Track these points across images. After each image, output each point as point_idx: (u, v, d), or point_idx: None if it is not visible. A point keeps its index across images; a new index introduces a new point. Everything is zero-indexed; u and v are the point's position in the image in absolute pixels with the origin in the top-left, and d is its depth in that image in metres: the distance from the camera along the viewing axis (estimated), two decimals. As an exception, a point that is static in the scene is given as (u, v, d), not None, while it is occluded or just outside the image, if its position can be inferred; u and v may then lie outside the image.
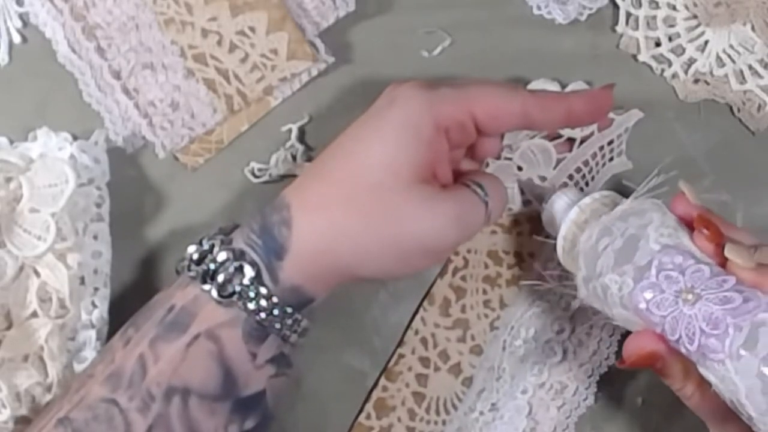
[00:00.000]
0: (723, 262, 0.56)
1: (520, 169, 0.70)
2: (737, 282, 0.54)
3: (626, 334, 0.65)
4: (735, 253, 0.55)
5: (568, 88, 0.70)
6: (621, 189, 0.69)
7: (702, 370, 0.54)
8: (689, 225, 0.58)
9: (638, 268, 0.57)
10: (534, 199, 0.68)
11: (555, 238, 0.64)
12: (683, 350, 0.54)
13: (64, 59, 0.71)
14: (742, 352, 0.52)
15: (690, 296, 0.54)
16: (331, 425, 0.72)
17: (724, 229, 0.57)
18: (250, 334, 0.59)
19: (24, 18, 0.72)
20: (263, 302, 0.58)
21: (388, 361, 0.72)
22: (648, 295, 0.56)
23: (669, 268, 0.56)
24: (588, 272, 0.59)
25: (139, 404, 0.58)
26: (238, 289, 0.58)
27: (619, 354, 0.71)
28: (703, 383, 0.55)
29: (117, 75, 0.71)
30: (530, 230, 0.71)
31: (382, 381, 0.72)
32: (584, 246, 0.60)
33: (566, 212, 0.63)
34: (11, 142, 0.71)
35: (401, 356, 0.72)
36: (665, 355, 0.56)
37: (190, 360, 0.58)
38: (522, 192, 0.70)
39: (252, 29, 0.70)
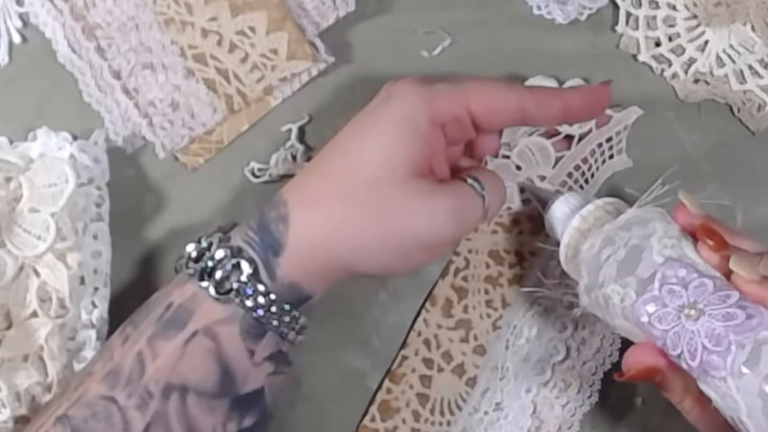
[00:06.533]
0: (728, 273, 0.55)
1: (518, 168, 0.70)
2: (741, 297, 0.54)
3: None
4: (740, 265, 0.54)
5: (566, 85, 0.70)
6: (622, 194, 0.68)
7: (703, 387, 0.54)
8: (693, 234, 0.58)
9: (641, 280, 0.56)
10: (537, 203, 0.68)
11: (558, 242, 0.64)
12: (684, 366, 0.54)
13: (64, 59, 0.71)
14: (745, 370, 0.51)
15: (693, 312, 0.54)
16: (331, 425, 0.72)
17: (728, 238, 0.57)
18: (248, 331, 0.59)
19: (24, 18, 0.72)
20: (261, 299, 0.58)
21: (392, 364, 0.72)
22: (650, 308, 0.55)
23: (672, 282, 0.55)
24: (590, 281, 0.59)
25: (138, 402, 0.58)
26: (235, 286, 0.58)
27: (622, 352, 0.70)
28: (703, 398, 0.55)
29: (117, 75, 0.71)
30: (531, 229, 0.71)
31: (386, 383, 0.72)
32: (587, 255, 0.60)
33: (569, 219, 0.63)
34: (11, 142, 0.71)
35: (404, 358, 0.72)
36: (665, 370, 0.56)
37: (187, 357, 0.58)
38: (522, 191, 0.70)
39: (252, 29, 0.70)
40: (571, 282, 0.64)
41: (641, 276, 0.56)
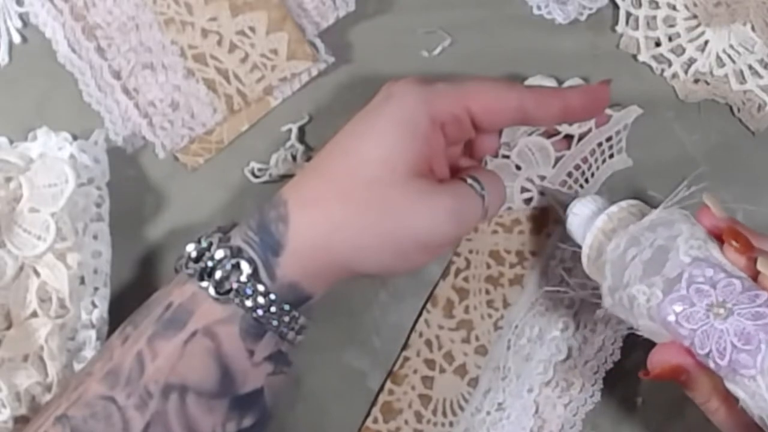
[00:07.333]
0: (755, 275, 0.55)
1: (518, 168, 0.70)
2: None
3: (631, 330, 0.65)
4: (767, 266, 0.55)
5: (565, 85, 0.70)
6: (629, 195, 0.68)
7: (730, 386, 0.54)
8: (718, 237, 0.58)
9: (668, 280, 0.56)
10: (557, 205, 0.68)
11: (577, 245, 0.64)
12: (712, 365, 0.54)
13: (64, 59, 0.71)
14: None
15: (722, 310, 0.53)
16: (331, 425, 0.72)
17: (754, 240, 0.57)
18: (248, 332, 0.59)
19: (24, 18, 0.72)
20: (260, 299, 0.58)
21: (393, 365, 0.72)
22: (678, 307, 0.55)
23: (700, 282, 0.55)
24: (614, 282, 0.59)
25: (137, 402, 0.58)
26: (235, 286, 0.58)
27: (624, 351, 0.71)
28: (729, 398, 0.54)
29: (117, 75, 0.71)
30: (531, 229, 0.71)
31: (388, 384, 0.72)
32: (611, 255, 0.59)
33: (592, 220, 0.63)
34: (11, 142, 0.71)
35: (406, 359, 0.72)
36: (691, 369, 0.55)
37: (187, 357, 0.58)
38: (530, 187, 0.70)
39: (252, 29, 0.70)
40: (573, 281, 0.64)
41: (668, 276, 0.56)
